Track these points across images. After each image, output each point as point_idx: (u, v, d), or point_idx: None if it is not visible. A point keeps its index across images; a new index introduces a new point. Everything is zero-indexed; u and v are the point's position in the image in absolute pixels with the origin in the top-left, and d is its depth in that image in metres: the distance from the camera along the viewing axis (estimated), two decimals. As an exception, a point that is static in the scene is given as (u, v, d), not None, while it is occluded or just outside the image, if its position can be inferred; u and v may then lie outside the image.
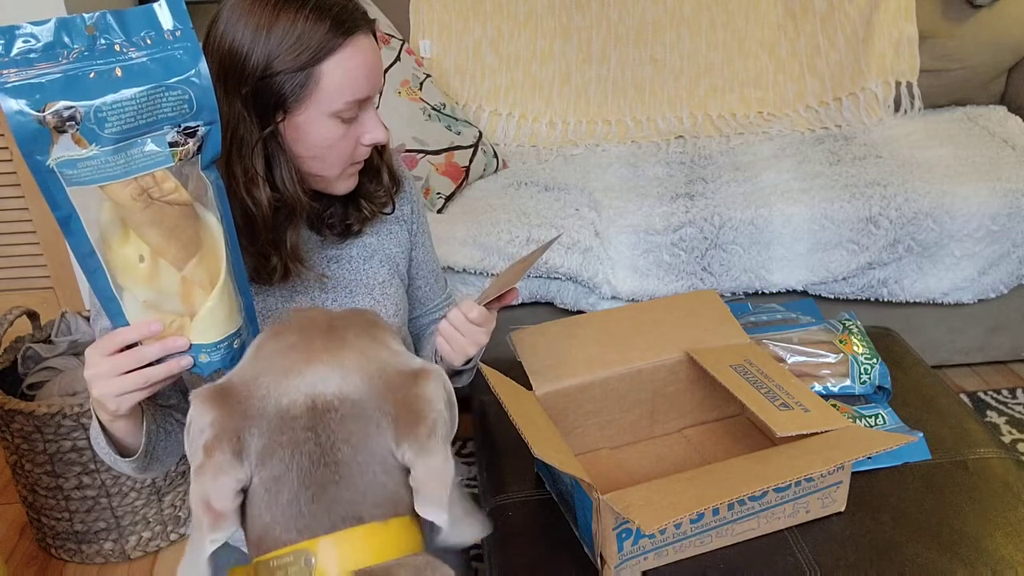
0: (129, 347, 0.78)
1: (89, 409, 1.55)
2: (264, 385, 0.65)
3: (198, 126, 0.74)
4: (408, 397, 0.65)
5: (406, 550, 0.62)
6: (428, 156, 2.08)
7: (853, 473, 1.04)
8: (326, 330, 0.69)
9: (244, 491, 0.63)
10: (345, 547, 0.60)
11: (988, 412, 2.06)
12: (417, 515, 0.65)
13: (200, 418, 0.64)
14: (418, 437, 0.64)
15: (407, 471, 0.65)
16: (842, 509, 1.00)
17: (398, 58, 2.21)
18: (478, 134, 2.24)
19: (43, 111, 0.67)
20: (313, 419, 0.63)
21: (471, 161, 2.17)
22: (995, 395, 2.12)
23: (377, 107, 0.99)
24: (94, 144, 0.69)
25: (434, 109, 2.18)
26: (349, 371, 0.65)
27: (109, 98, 0.68)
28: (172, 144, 0.72)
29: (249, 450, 0.63)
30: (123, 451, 0.93)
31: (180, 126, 0.73)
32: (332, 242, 1.05)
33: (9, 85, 0.66)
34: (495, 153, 2.28)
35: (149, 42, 0.71)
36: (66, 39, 0.69)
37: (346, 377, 0.65)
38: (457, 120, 2.22)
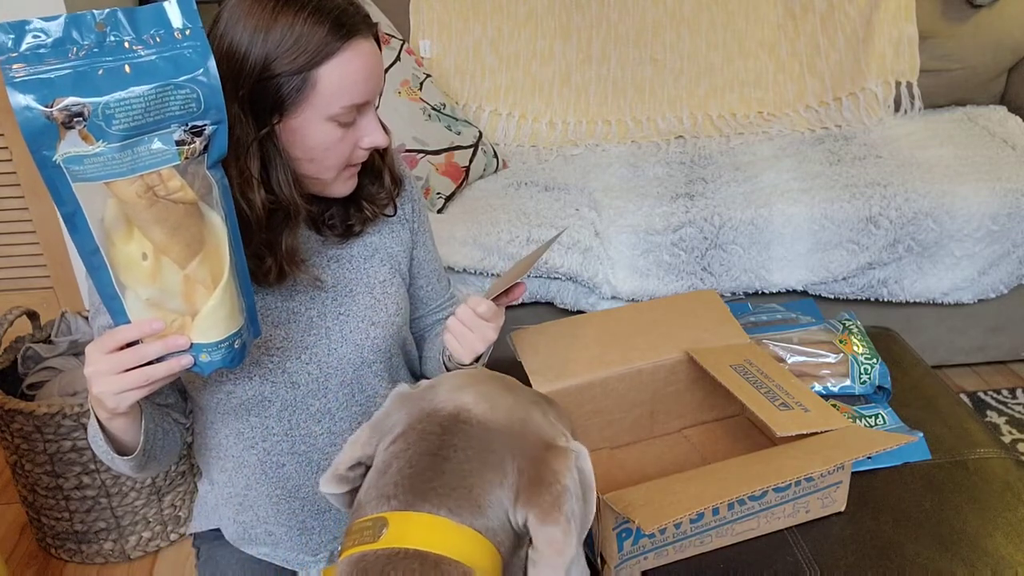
0: (130, 345, 0.78)
1: (89, 409, 1.55)
2: (435, 393, 0.73)
3: (205, 125, 0.73)
4: (537, 462, 0.69)
5: (469, 560, 0.64)
6: (428, 156, 2.08)
7: (853, 473, 1.04)
8: (503, 377, 0.78)
9: (365, 466, 0.73)
10: (413, 525, 0.64)
11: (988, 412, 2.06)
12: (500, 553, 0.66)
13: (383, 406, 0.76)
14: (542, 507, 0.67)
15: (509, 517, 0.68)
16: (842, 509, 1.00)
17: (398, 58, 2.21)
18: (478, 134, 2.24)
19: (51, 106, 0.67)
20: (450, 422, 0.70)
21: (471, 161, 2.17)
22: (995, 395, 2.12)
23: (377, 107, 0.98)
24: (101, 141, 0.69)
25: (434, 109, 2.18)
26: (498, 408, 0.72)
27: (117, 95, 0.68)
28: (179, 142, 0.72)
29: (387, 435, 0.71)
30: (121, 449, 0.93)
31: (187, 125, 0.72)
32: (333, 242, 1.05)
33: (18, 80, 0.66)
34: (495, 153, 2.28)
35: (158, 40, 0.71)
36: (76, 35, 0.69)
37: (493, 410, 0.71)
38: (457, 120, 2.22)
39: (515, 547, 0.69)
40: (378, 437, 0.72)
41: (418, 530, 0.63)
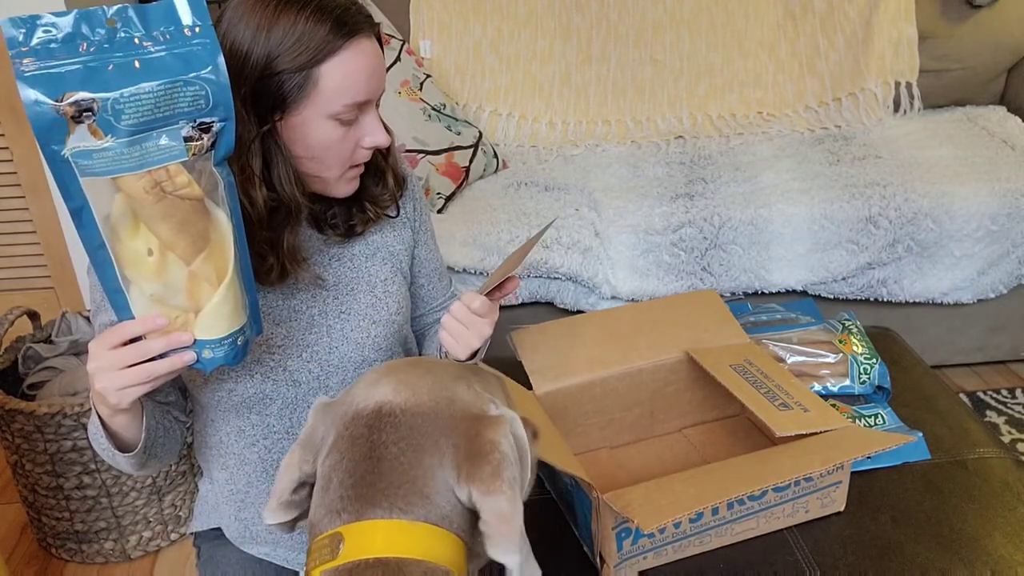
0: (133, 341, 0.79)
1: (89, 409, 1.55)
2: (354, 394, 0.71)
3: (213, 122, 0.74)
4: (472, 436, 0.69)
5: (429, 555, 0.63)
6: (428, 156, 2.08)
7: (853, 473, 1.04)
8: (417, 360, 0.76)
9: (309, 486, 0.70)
10: (368, 535, 0.63)
11: (987, 412, 2.06)
12: (460, 537, 0.67)
13: (307, 422, 0.72)
14: (483, 479, 0.66)
15: (457, 496, 0.68)
16: (841, 509, 1.01)
17: (398, 58, 2.22)
18: (478, 134, 2.25)
19: (61, 101, 0.67)
20: (375, 419, 0.68)
21: (471, 161, 2.18)
22: (994, 395, 2.12)
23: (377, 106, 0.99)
24: (110, 135, 0.69)
25: (434, 109, 2.18)
26: (420, 391, 0.70)
27: (126, 90, 0.69)
28: (187, 139, 0.73)
29: (323, 448, 0.69)
30: (122, 446, 0.93)
31: (195, 121, 0.73)
32: (335, 241, 1.06)
33: (28, 74, 0.67)
34: (495, 153, 2.28)
35: (168, 36, 0.72)
36: (86, 30, 0.69)
37: (416, 395, 0.70)
38: (457, 120, 2.22)
39: (473, 526, 0.68)
40: (312, 454, 0.70)
41: (373, 538, 0.62)
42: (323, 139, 0.93)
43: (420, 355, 1.21)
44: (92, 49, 0.69)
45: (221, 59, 0.73)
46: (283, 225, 0.95)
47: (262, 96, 0.89)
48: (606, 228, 1.96)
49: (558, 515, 1.03)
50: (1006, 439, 1.97)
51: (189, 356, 0.79)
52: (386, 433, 0.67)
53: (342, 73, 0.89)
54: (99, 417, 0.89)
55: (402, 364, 0.74)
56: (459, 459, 0.67)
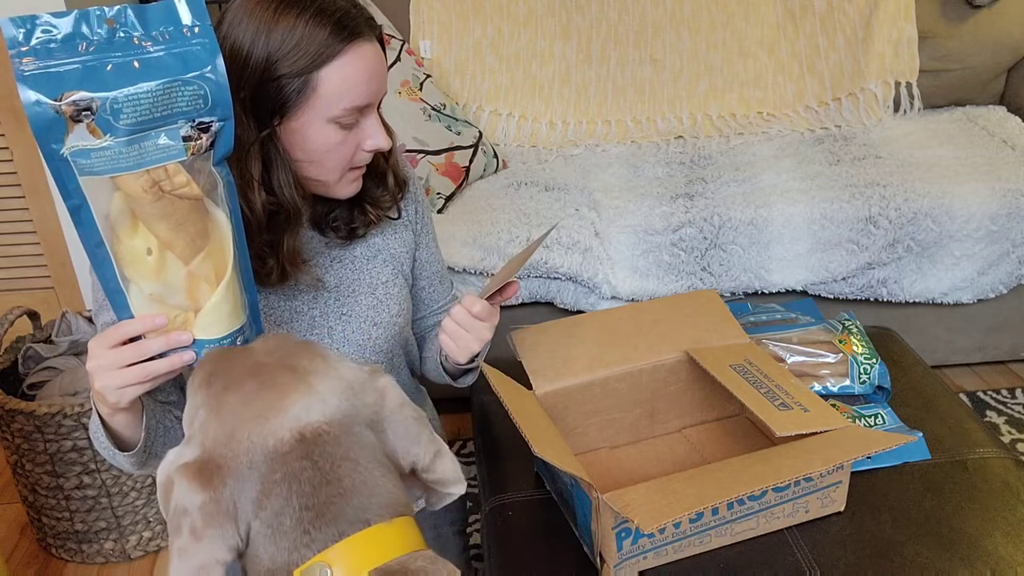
0: (133, 340, 0.79)
1: (90, 409, 1.55)
2: (245, 438, 0.64)
3: (212, 121, 0.74)
4: (388, 415, 0.71)
5: (412, 547, 0.64)
6: (428, 156, 2.08)
7: (853, 473, 1.04)
8: (279, 365, 0.70)
9: (239, 553, 0.64)
10: (357, 550, 0.61)
11: (987, 412, 2.06)
12: (410, 513, 0.68)
13: (188, 497, 0.62)
14: (425, 449, 0.71)
15: (400, 473, 0.70)
16: (841, 509, 1.01)
17: (398, 58, 2.22)
18: (478, 134, 2.25)
19: (60, 100, 0.67)
20: (305, 448, 0.64)
21: (471, 161, 2.18)
22: (994, 395, 2.13)
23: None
24: (108, 135, 0.69)
25: (434, 109, 2.18)
26: (325, 394, 0.67)
27: (125, 90, 0.69)
28: (185, 138, 0.73)
29: (244, 507, 0.63)
30: (122, 445, 0.93)
31: (194, 121, 0.73)
32: (336, 243, 1.05)
33: (27, 74, 0.67)
34: (495, 153, 2.28)
35: (167, 36, 0.72)
36: (85, 30, 0.70)
37: (325, 401, 0.67)
38: (457, 120, 2.22)
39: (407, 493, 0.71)
40: (233, 525, 0.62)
41: (361, 552, 0.61)
42: (323, 143, 0.92)
43: (421, 357, 1.21)
44: (91, 49, 0.69)
45: (220, 59, 0.73)
46: (283, 228, 0.95)
47: (262, 100, 0.89)
48: (606, 228, 1.96)
49: (558, 515, 1.03)
50: (1006, 439, 1.97)
51: (188, 356, 0.79)
52: (328, 453, 0.64)
53: (342, 77, 0.89)
54: (99, 416, 0.89)
55: (275, 380, 0.68)
56: (394, 443, 0.70)
